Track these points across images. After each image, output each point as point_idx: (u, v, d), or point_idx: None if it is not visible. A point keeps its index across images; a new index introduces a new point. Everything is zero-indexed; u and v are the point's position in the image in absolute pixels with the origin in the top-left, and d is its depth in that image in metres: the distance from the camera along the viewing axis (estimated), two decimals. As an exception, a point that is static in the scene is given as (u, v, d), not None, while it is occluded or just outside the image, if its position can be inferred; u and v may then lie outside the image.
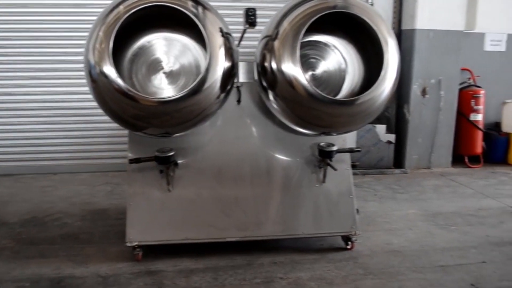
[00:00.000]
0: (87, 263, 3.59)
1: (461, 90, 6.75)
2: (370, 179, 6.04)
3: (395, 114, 6.62)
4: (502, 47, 7.33)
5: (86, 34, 3.12)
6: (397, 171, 6.42)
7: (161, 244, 3.60)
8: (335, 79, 3.70)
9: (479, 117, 6.78)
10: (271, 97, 3.36)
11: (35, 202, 5.00)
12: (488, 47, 7.29)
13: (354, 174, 6.15)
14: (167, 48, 3.42)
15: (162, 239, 3.60)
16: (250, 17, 3.24)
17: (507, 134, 6.99)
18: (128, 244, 3.53)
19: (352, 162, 6.47)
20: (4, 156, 6.09)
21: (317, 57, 3.71)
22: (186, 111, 3.17)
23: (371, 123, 6.44)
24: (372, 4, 6.40)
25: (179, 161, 3.63)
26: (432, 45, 6.36)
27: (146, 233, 3.58)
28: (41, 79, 6.01)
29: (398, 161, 6.62)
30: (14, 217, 4.51)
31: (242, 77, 3.73)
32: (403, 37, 6.56)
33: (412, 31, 6.35)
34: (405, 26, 6.54)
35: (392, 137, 6.48)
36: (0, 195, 5.24)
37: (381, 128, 6.44)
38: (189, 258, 3.64)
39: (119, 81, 2.96)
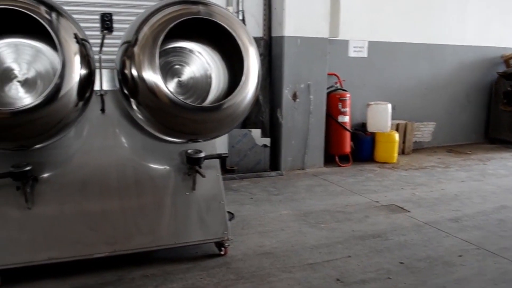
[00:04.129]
0: None
1: (329, 93, 7.16)
2: (248, 183, 6.13)
3: (269, 119, 6.81)
4: (364, 53, 7.96)
5: None
6: (273, 173, 6.59)
7: (22, 267, 3.30)
8: (201, 85, 3.71)
9: (346, 119, 7.24)
10: (134, 106, 3.25)
11: None
12: (352, 53, 7.87)
13: (232, 178, 6.27)
14: (16, 54, 3.16)
15: (22, 261, 3.30)
16: (106, 22, 3.12)
17: (372, 133, 7.54)
18: (-16, 271, 3.21)
19: (231, 167, 6.60)
20: None
21: (182, 63, 3.69)
22: (42, 122, 2.94)
23: (247, 127, 6.61)
24: (243, 11, 6.55)
25: (40, 176, 3.37)
26: (300, 51, 6.63)
27: (4, 256, 3.27)
28: None
29: (274, 164, 6.80)
30: None
31: (106, 85, 3.58)
32: (274, 44, 6.79)
33: (281, 38, 6.57)
34: (275, 33, 6.76)
35: (267, 141, 6.64)
36: None
37: (256, 133, 6.58)
38: (54, 279, 3.40)
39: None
